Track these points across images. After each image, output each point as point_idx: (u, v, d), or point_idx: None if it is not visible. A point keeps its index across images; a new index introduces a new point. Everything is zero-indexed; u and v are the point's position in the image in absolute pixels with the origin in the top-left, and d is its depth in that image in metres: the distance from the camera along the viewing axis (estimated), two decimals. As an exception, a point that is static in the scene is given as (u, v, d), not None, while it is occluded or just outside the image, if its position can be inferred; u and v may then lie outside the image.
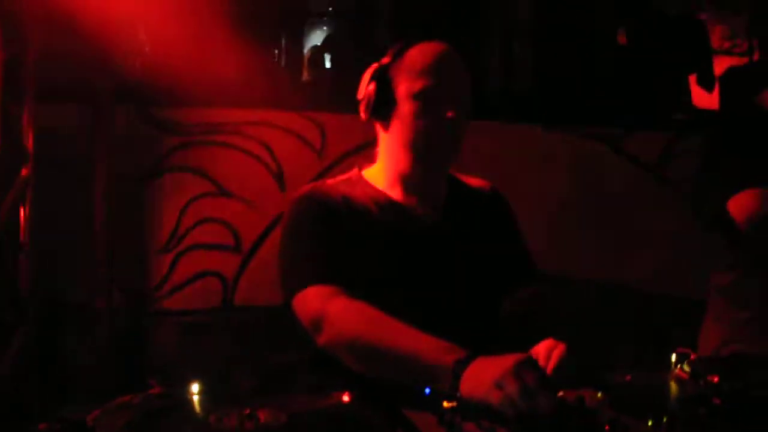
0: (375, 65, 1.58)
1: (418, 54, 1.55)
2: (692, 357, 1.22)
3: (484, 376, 1.09)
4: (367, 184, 1.62)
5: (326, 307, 1.38)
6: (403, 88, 1.54)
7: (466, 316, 1.54)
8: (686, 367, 1.19)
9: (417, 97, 1.52)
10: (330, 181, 1.63)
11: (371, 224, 1.54)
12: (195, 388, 1.16)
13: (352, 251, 1.48)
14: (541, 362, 1.28)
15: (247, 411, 1.03)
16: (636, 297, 3.32)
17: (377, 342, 1.30)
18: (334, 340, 1.37)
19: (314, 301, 1.41)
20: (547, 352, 1.31)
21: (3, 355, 2.24)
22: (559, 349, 1.31)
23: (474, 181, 1.74)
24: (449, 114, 1.50)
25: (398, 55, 1.57)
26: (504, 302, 1.63)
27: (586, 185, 3.32)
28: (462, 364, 1.14)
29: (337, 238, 1.49)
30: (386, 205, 1.57)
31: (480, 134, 3.05)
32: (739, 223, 1.71)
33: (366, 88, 1.57)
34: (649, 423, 0.98)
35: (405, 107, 1.53)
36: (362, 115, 1.59)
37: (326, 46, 3.78)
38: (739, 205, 1.70)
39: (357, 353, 1.34)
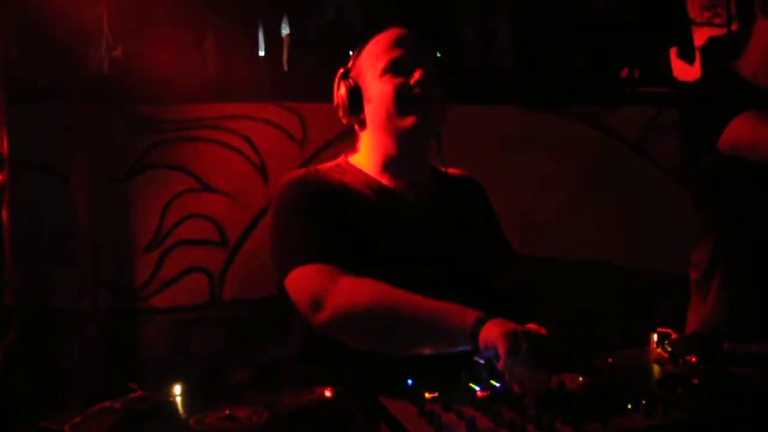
0: (341, 70, 1.62)
1: (375, 42, 1.59)
2: (673, 336, 1.22)
3: (500, 327, 1.14)
4: (357, 170, 1.61)
5: (331, 284, 1.35)
6: (369, 75, 1.57)
7: (459, 300, 1.54)
8: (667, 347, 1.20)
9: (384, 73, 1.54)
10: (320, 167, 1.62)
11: (368, 209, 1.53)
12: (176, 390, 1.15)
13: (349, 235, 1.46)
14: None
15: (227, 411, 1.03)
16: (620, 274, 3.33)
17: (393, 308, 1.29)
18: (341, 314, 1.33)
19: (316, 278, 1.37)
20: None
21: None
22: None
23: (453, 171, 1.75)
24: (416, 75, 1.51)
25: (359, 53, 1.62)
26: (488, 287, 1.64)
27: (567, 164, 3.31)
28: (480, 322, 1.18)
29: (333, 218, 1.46)
30: (379, 190, 1.57)
31: (458, 118, 3.05)
32: (736, 149, 1.66)
33: (338, 93, 1.60)
34: (629, 406, 0.98)
35: (375, 90, 1.55)
36: (342, 120, 1.61)
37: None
38: (731, 133, 1.68)
39: (369, 325, 1.32)
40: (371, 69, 1.56)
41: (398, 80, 1.53)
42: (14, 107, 2.60)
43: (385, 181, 1.59)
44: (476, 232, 1.64)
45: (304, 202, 1.49)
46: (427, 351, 1.25)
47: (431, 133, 1.59)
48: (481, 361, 1.14)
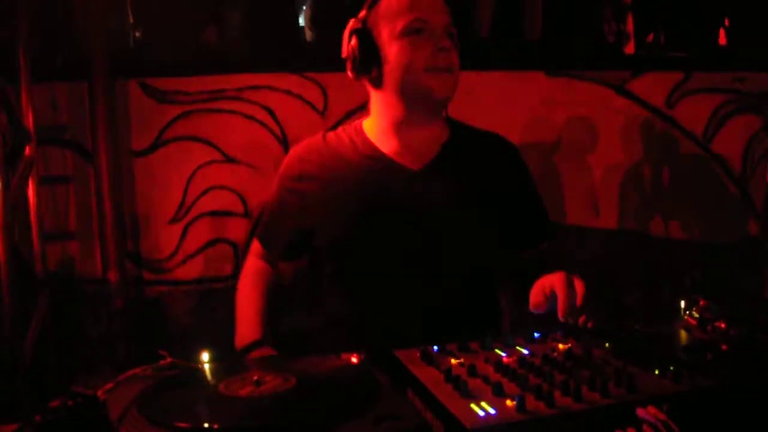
0: (352, 21, 1.55)
1: None
2: (701, 303, 1.21)
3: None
4: (360, 134, 1.61)
5: (248, 260, 1.78)
6: (386, 33, 1.50)
7: (440, 274, 1.53)
8: (695, 314, 1.19)
9: (402, 35, 1.48)
10: (326, 136, 1.66)
11: (357, 183, 1.56)
12: (204, 357, 1.17)
13: (321, 211, 1.56)
14: (562, 289, 1.25)
15: (256, 377, 1.05)
16: (647, 242, 3.30)
17: (236, 299, 1.73)
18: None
19: (251, 252, 1.79)
20: (565, 279, 1.27)
21: (22, 333, 2.28)
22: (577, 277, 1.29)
23: (483, 132, 1.70)
24: (443, 43, 1.47)
25: (373, 5, 1.54)
26: (520, 255, 1.62)
27: (593, 131, 3.27)
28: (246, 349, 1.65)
29: (293, 210, 1.62)
30: (376, 160, 1.57)
31: (481, 84, 3.02)
32: None
33: (348, 45, 1.54)
34: (656, 372, 0.98)
35: (391, 51, 1.49)
36: (349, 73, 1.56)
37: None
38: None
39: None
40: (388, 27, 1.49)
41: (424, 45, 1.47)
42: (39, 83, 2.62)
43: (386, 148, 1.57)
44: (485, 198, 1.58)
45: (279, 182, 1.67)
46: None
47: (450, 100, 1.55)
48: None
